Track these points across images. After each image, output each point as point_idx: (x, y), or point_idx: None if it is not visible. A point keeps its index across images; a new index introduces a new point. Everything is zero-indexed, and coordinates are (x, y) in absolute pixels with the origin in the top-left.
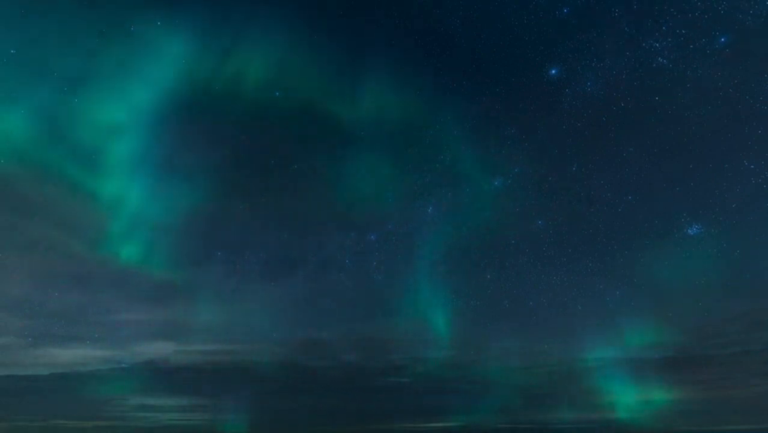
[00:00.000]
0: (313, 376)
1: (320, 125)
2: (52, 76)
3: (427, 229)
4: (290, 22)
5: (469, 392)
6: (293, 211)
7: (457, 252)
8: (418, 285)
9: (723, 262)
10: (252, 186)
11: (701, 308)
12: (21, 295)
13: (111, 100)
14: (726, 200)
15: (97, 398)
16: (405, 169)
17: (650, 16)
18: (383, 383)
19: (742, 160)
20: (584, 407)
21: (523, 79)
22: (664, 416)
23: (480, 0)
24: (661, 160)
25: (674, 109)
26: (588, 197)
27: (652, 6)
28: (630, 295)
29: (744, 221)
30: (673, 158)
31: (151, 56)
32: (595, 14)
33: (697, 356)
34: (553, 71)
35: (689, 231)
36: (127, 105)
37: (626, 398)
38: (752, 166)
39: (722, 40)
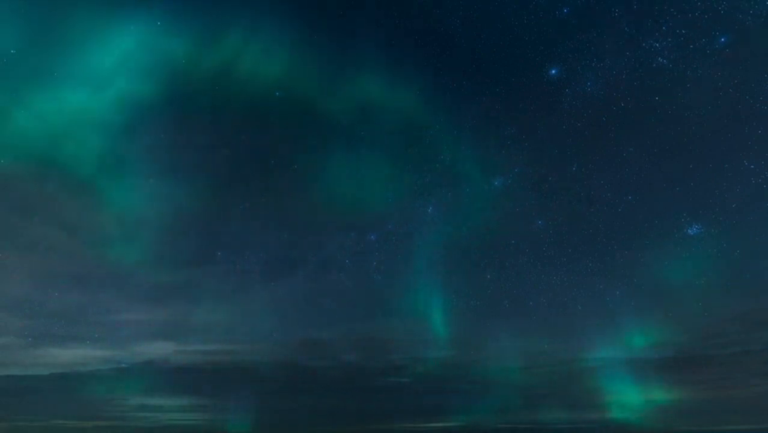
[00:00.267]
0: (313, 376)
1: (320, 125)
2: (52, 76)
3: (427, 229)
4: (290, 22)
5: (469, 392)
6: (293, 211)
7: (457, 252)
8: (417, 285)
9: (723, 262)
10: (252, 186)
11: (701, 308)
12: (21, 295)
13: (111, 100)
14: (726, 200)
15: (97, 398)
16: (405, 169)
17: (650, 16)
18: (383, 383)
19: (742, 160)
20: (584, 407)
21: (523, 79)
22: (664, 416)
23: (480, 0)
24: (661, 160)
25: (674, 109)
26: (588, 197)
27: (652, 6)
28: (630, 295)
29: (744, 221)
30: (673, 158)
31: (151, 56)
32: (595, 14)
33: (698, 356)
34: (553, 71)
35: (689, 231)
36: (127, 105)
37: (626, 398)
38: (752, 166)
39: (722, 40)
